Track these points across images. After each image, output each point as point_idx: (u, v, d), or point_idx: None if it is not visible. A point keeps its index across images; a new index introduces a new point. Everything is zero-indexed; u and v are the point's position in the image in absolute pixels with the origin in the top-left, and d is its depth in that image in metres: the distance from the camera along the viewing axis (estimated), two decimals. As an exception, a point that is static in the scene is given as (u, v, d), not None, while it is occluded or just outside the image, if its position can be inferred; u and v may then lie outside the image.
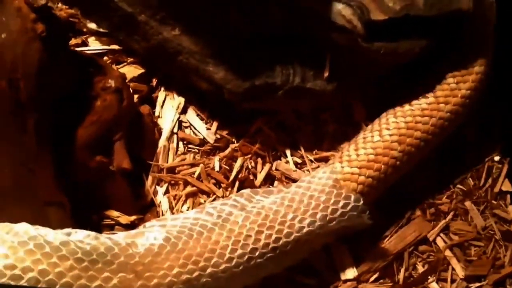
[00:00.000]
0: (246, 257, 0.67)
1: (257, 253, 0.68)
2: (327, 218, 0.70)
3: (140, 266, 0.62)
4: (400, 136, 0.77)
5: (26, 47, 0.66)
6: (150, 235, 0.65)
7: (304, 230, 0.70)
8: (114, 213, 0.76)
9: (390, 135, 0.77)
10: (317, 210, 0.70)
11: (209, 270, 0.65)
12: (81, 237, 0.61)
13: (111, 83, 0.74)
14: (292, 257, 0.71)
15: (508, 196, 0.84)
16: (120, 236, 0.65)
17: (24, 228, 0.60)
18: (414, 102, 0.79)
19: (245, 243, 0.67)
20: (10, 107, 0.64)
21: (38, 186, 0.66)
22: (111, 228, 0.76)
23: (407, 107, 0.79)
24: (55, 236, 0.60)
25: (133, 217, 0.76)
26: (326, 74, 0.81)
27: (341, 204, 0.71)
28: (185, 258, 0.64)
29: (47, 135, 0.68)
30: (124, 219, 0.76)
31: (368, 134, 0.78)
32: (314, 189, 0.72)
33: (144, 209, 0.78)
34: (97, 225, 0.75)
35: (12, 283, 0.55)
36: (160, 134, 0.82)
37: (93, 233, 0.62)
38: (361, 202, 0.72)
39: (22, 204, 0.64)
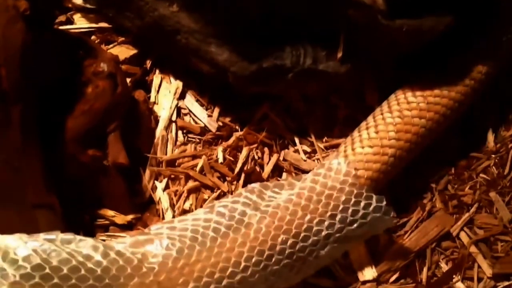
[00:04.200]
0: (262, 264, 0.60)
1: (273, 260, 0.61)
2: (347, 220, 0.64)
3: (155, 285, 0.55)
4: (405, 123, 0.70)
5: (7, 27, 0.57)
6: (160, 242, 0.58)
7: (323, 234, 0.63)
8: (109, 212, 0.68)
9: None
10: (336, 211, 0.63)
11: (224, 282, 0.58)
12: (86, 249, 0.53)
13: (103, 67, 0.66)
14: (311, 265, 0.64)
15: (535, 185, 0.78)
16: (128, 246, 0.57)
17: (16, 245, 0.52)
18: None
19: (261, 249, 0.60)
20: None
21: (25, 187, 0.58)
22: (105, 228, 0.68)
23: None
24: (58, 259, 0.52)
25: (129, 217, 0.68)
26: (339, 55, 0.73)
27: (362, 204, 0.64)
28: (199, 271, 0.58)
29: (34, 128, 0.60)
30: (120, 219, 0.68)
31: (378, 116, 0.71)
32: (332, 187, 0.65)
33: (142, 207, 0.70)
34: (90, 226, 0.67)
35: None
36: (157, 122, 0.74)
37: (99, 244, 0.55)
38: (384, 202, 0.65)
39: (7, 207, 0.56)
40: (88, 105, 0.64)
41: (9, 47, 0.57)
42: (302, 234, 0.62)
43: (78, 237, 0.56)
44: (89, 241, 0.56)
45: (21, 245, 0.53)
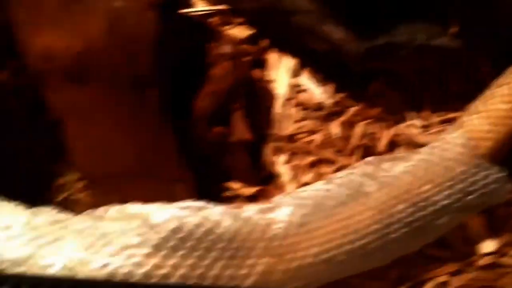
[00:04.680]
0: (381, 232, 0.62)
1: (392, 228, 0.63)
2: (466, 190, 0.65)
3: (281, 248, 0.59)
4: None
5: (140, 16, 0.62)
6: (285, 209, 0.61)
7: (441, 204, 0.64)
8: (235, 185, 0.72)
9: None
10: (454, 182, 0.65)
11: (345, 248, 0.61)
12: (217, 215, 0.58)
13: (226, 49, 0.70)
14: (428, 233, 0.66)
15: None
16: (255, 212, 0.61)
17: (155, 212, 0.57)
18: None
19: (380, 217, 0.63)
20: (130, 83, 0.60)
21: (162, 163, 0.63)
22: (231, 200, 0.72)
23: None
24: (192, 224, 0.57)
25: (254, 189, 0.72)
26: (453, 30, 0.73)
27: (481, 175, 0.65)
28: (321, 237, 0.60)
29: (167, 109, 0.65)
30: (245, 191, 0.72)
31: (496, 88, 0.71)
32: (450, 158, 0.66)
33: (265, 181, 0.74)
34: (218, 198, 0.72)
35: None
36: (274, 100, 0.78)
37: (229, 210, 0.59)
38: (504, 173, 0.65)
39: (147, 183, 0.61)
40: (213, 86, 0.69)
41: (143, 35, 0.61)
42: (420, 204, 0.64)
43: (209, 205, 0.60)
44: (219, 208, 0.60)
45: (159, 212, 0.58)
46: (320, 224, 0.62)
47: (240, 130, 0.69)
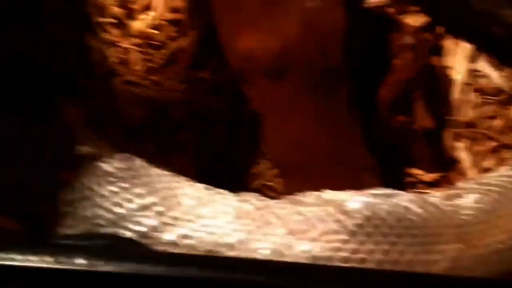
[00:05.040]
0: None
1: None
2: None
3: (470, 235, 0.60)
4: None
5: (332, 14, 0.66)
6: (470, 197, 0.63)
7: None
8: (416, 171, 0.75)
9: None
10: None
11: None
12: (405, 202, 0.61)
13: (408, 39, 0.72)
14: None
15: None
16: (441, 199, 0.63)
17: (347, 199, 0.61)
18: None
19: None
20: (323, 77, 0.65)
21: (351, 152, 0.67)
22: (413, 185, 0.75)
23: None
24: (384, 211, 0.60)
25: (435, 175, 0.75)
26: None
27: None
28: (509, 224, 0.62)
29: (354, 100, 0.68)
30: (427, 177, 0.74)
31: None
32: None
33: (445, 167, 0.76)
34: (401, 184, 0.75)
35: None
36: (453, 86, 0.79)
37: (416, 198, 0.62)
38: None
39: (337, 171, 0.66)
40: (396, 75, 0.71)
41: (334, 31, 0.65)
42: None
43: (397, 191, 0.64)
44: (408, 195, 0.63)
45: (351, 200, 0.62)
46: (508, 211, 0.63)
47: (422, 118, 0.72)
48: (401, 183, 0.74)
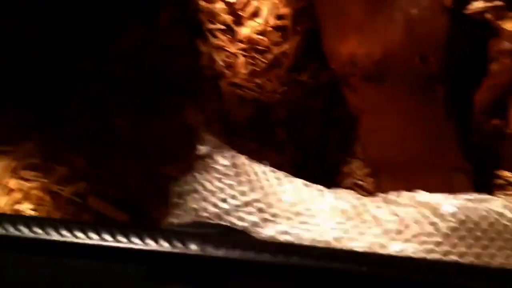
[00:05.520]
0: None
1: None
2: None
3: None
4: None
5: (434, 21, 0.67)
6: None
7: None
8: (506, 174, 0.76)
9: None
10: None
11: None
12: (498, 207, 0.62)
13: (506, 45, 0.73)
14: None
15: None
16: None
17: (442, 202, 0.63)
18: None
19: None
20: (422, 81, 0.67)
21: (446, 153, 0.69)
22: (502, 187, 0.76)
23: None
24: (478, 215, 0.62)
25: (529, 179, 0.75)
26: None
27: None
28: None
29: (452, 103, 0.70)
30: (518, 180, 0.75)
31: None
32: None
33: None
34: (490, 186, 0.76)
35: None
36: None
37: (509, 203, 0.63)
38: None
39: (431, 172, 0.68)
40: (492, 81, 0.72)
41: (435, 38, 0.67)
42: None
43: (490, 197, 0.65)
44: (500, 200, 0.65)
45: (446, 203, 0.63)
46: None
47: (517, 123, 0.72)
48: (491, 185, 0.75)
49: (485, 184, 0.76)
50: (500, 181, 0.77)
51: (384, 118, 0.69)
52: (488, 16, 0.83)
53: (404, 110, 0.68)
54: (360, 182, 0.75)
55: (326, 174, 0.76)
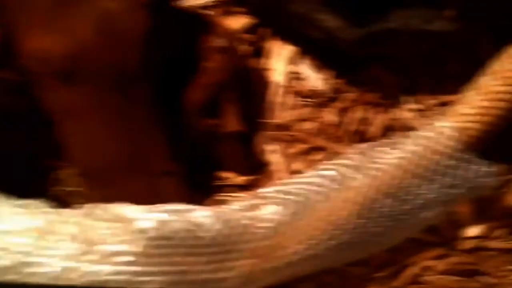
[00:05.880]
0: (366, 225, 0.64)
1: (375, 222, 0.64)
2: (452, 184, 0.66)
3: (267, 249, 0.61)
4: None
5: (130, 16, 0.63)
6: (271, 207, 0.63)
7: (425, 197, 0.66)
8: (226, 175, 0.75)
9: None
10: (440, 175, 0.66)
11: (328, 243, 0.63)
12: (202, 218, 0.60)
13: (220, 42, 0.71)
14: (412, 227, 0.67)
15: None
16: (240, 211, 0.63)
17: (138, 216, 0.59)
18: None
19: (362, 212, 0.64)
20: (120, 81, 0.63)
21: (150, 157, 0.65)
22: (223, 189, 0.75)
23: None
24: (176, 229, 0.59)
25: (245, 178, 0.74)
26: (450, 13, 0.73)
27: (468, 170, 0.66)
28: (307, 234, 0.62)
29: (156, 103, 0.67)
30: (236, 180, 0.74)
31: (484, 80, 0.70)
32: (436, 150, 0.66)
33: (256, 170, 0.76)
34: (209, 187, 0.74)
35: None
36: (270, 88, 0.79)
37: (214, 212, 0.61)
38: (491, 168, 0.66)
39: (134, 176, 0.64)
40: (204, 79, 0.70)
41: (133, 34, 0.63)
42: (403, 197, 0.65)
43: (195, 207, 0.61)
44: (202, 210, 0.61)
45: (142, 217, 0.59)
46: (307, 221, 0.63)
47: (232, 122, 0.71)
48: (212, 187, 0.74)
49: (205, 186, 0.75)
50: (220, 182, 0.76)
51: (84, 121, 0.64)
52: (210, 11, 0.82)
53: (103, 112, 0.63)
54: (74, 189, 0.70)
55: (36, 182, 0.70)
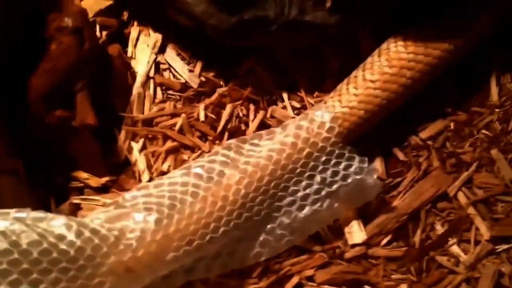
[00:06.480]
0: (240, 226, 0.58)
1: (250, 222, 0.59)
2: (327, 181, 0.61)
3: (133, 261, 0.54)
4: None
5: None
6: (137, 215, 0.56)
7: (300, 194, 0.60)
8: (83, 175, 0.65)
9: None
10: (316, 172, 0.61)
11: (204, 247, 0.57)
12: (59, 228, 0.51)
13: (68, 22, 0.62)
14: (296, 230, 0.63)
15: (543, 142, 0.72)
16: (103, 222, 0.54)
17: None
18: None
19: (240, 212, 0.59)
20: None
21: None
22: (79, 191, 0.65)
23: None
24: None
25: (104, 179, 0.66)
26: (328, 4, 0.68)
27: (343, 165, 0.62)
28: (178, 241, 0.56)
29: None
30: (94, 181, 0.65)
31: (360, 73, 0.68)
32: (310, 142, 0.61)
33: (117, 169, 0.67)
34: (63, 188, 0.64)
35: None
36: (133, 78, 0.71)
37: (72, 223, 0.52)
38: (366, 164, 0.62)
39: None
40: (51, 63, 0.61)
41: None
42: (279, 194, 0.61)
43: (50, 215, 0.52)
44: (62, 219, 0.53)
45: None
46: (178, 226, 0.57)
47: (83, 113, 0.62)
48: (63, 188, 0.64)
49: (58, 187, 0.65)
50: (76, 183, 0.66)
51: None
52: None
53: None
54: None
55: None
